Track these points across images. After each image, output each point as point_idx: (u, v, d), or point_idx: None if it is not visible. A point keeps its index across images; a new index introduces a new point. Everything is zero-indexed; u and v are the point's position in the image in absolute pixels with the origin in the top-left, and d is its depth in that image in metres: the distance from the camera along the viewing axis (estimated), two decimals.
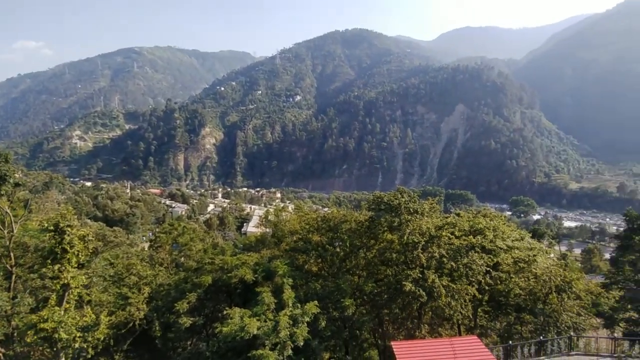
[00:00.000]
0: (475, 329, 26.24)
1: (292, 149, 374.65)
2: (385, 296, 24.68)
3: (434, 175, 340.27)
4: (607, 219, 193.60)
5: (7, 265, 21.15)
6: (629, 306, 30.01)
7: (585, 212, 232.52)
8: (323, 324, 19.88)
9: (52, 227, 17.04)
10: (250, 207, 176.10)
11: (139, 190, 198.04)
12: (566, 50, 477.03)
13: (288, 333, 17.61)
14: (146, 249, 45.13)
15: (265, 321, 18.18)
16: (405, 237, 23.25)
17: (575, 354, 19.88)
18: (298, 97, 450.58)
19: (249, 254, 26.77)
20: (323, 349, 22.05)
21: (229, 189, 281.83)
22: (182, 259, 33.40)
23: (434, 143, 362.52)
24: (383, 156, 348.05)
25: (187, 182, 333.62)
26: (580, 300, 25.41)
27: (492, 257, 24.25)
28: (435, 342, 16.85)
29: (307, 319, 18.66)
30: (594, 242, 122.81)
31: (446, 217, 28.69)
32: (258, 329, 17.47)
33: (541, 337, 21.44)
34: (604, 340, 21.33)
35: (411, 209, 24.06)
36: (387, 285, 24.46)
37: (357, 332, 24.14)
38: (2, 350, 20.27)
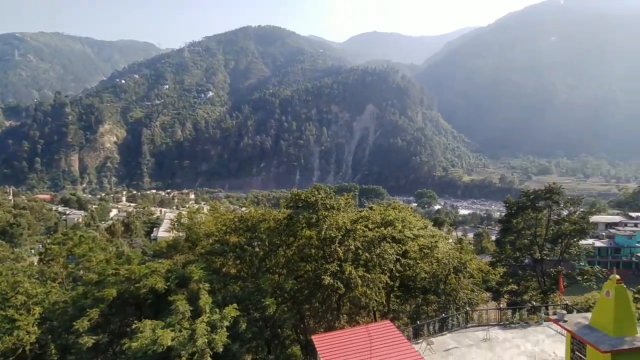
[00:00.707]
0: (388, 313, 28.23)
1: (205, 147, 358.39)
2: (306, 292, 25.13)
3: (349, 171, 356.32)
4: (493, 206, 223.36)
5: None
6: (510, 280, 35.21)
7: (475, 201, 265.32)
8: (244, 326, 19.46)
9: None
10: (161, 211, 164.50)
11: (24, 197, 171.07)
12: (458, 58, 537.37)
13: (206, 340, 16.85)
14: (35, 263, 39.43)
15: (180, 331, 17.12)
16: (323, 233, 23.93)
17: (471, 326, 22.60)
18: (210, 93, 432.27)
19: (160, 260, 24.95)
20: (244, 352, 21.63)
21: (135, 192, 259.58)
22: (81, 271, 29.85)
23: (348, 141, 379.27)
24: (300, 154, 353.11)
25: (84, 185, 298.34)
26: (474, 278, 29.00)
27: (401, 245, 26.31)
28: (353, 331, 17.68)
29: (226, 323, 18.07)
30: (483, 226, 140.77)
31: (360, 211, 30.20)
32: (172, 339, 16.38)
33: (443, 315, 23.94)
34: (493, 311, 24.67)
35: (328, 205, 24.83)
36: (307, 281, 24.92)
37: (279, 330, 24.17)
38: None
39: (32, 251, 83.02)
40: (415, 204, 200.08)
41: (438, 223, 65.25)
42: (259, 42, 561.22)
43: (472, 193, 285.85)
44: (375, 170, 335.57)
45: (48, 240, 37.19)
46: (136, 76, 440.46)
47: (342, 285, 22.27)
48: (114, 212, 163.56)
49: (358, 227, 25.27)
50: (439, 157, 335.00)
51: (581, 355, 16.22)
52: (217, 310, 18.85)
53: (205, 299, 18.63)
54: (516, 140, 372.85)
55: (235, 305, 19.09)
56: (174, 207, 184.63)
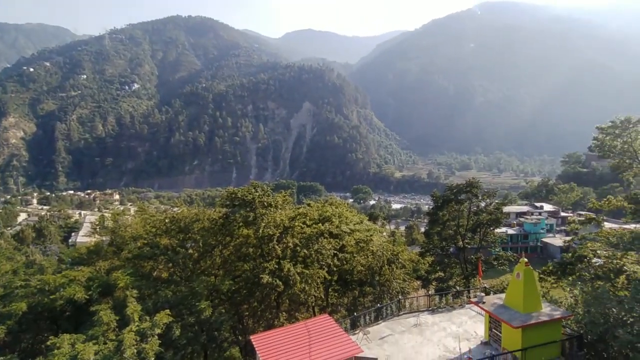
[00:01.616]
0: (327, 307, 28.78)
1: (131, 143, 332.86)
2: (244, 292, 24.63)
3: (287, 168, 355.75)
4: (422, 200, 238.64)
5: None
6: (438, 268, 37.94)
7: (407, 195, 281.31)
8: (177, 332, 18.48)
9: None
10: (80, 213, 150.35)
11: None
12: (388, 59, 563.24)
13: (135, 351, 15.68)
14: None
15: (105, 343, 15.73)
16: (261, 231, 23.62)
17: (404, 314, 23.94)
18: (136, 85, 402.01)
19: (79, 268, 22.68)
20: (179, 359, 20.56)
21: (48, 193, 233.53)
22: None
23: (285, 138, 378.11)
24: (236, 151, 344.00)
25: None
26: (405, 268, 30.72)
27: (338, 240, 26.96)
28: (292, 328, 17.71)
29: (158, 330, 16.97)
30: (413, 219, 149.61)
31: (298, 208, 30.36)
32: (96, 353, 14.99)
33: (378, 305, 25.04)
34: (422, 298, 26.38)
35: (265, 203, 24.56)
36: (245, 281, 24.42)
37: (216, 333, 23.35)
38: None
39: None
40: (352, 200, 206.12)
41: (373, 217, 67.94)
42: (189, 33, 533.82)
43: (404, 188, 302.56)
44: (312, 167, 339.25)
45: None
46: (47, 64, 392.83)
47: (280, 283, 22.21)
48: (22, 216, 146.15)
49: (296, 224, 25.36)
50: (374, 154, 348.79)
51: (497, 332, 18.06)
52: (147, 317, 17.64)
53: (133, 307, 17.31)
54: (442, 137, 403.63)
55: (167, 311, 18.02)
56: (96, 209, 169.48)
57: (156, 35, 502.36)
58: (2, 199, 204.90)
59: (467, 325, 21.78)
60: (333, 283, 29.01)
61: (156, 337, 16.77)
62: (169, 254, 22.86)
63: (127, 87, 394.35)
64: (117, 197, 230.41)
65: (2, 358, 17.29)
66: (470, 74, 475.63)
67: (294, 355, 15.25)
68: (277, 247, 23.71)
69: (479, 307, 19.28)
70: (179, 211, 26.47)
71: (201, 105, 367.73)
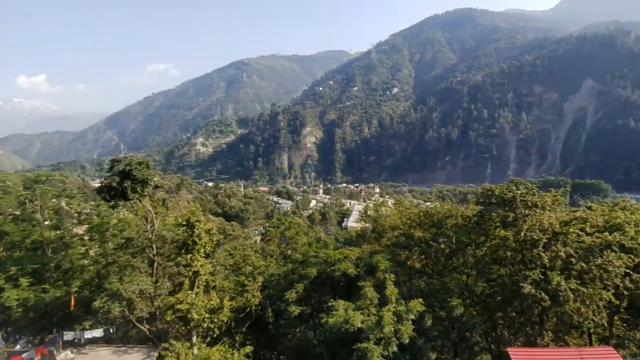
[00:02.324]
0: (610, 338, 22.38)
1: (389, 142, 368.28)
2: (499, 298, 22.62)
3: (557, 163, 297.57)
4: None
5: (151, 254, 25.25)
6: None
7: None
8: (429, 323, 19.16)
9: (184, 222, 19.87)
10: (350, 203, 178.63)
11: (250, 189, 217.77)
12: None
13: (392, 329, 17.44)
14: (258, 241, 49.28)
15: (368, 315, 18.32)
16: (522, 234, 20.87)
17: None
18: (395, 89, 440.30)
19: (350, 248, 27.23)
20: (429, 349, 21.27)
21: (330, 185, 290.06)
22: (289, 251, 35.66)
23: (556, 126, 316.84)
24: (492, 145, 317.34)
25: (291, 179, 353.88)
26: None
27: (632, 257, 20.29)
28: (561, 352, 14.80)
29: (411, 316, 18.22)
30: None
31: (574, 211, 24.88)
32: (362, 322, 17.70)
33: None
34: None
35: (529, 202, 21.44)
36: (500, 286, 22.38)
37: (467, 334, 22.61)
38: (147, 326, 24.36)
39: (256, 231, 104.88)
40: None
41: None
42: (445, 28, 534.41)
43: None
44: (594, 160, 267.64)
45: (267, 224, 45.97)
46: (331, 82, 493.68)
47: (546, 297, 18.95)
48: (313, 202, 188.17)
49: (571, 230, 20.84)
50: None
51: None
52: (402, 302, 19.22)
53: (391, 289, 19.29)
54: None
55: (420, 300, 19.03)
56: (361, 200, 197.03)
57: (414, 39, 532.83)
58: (302, 189, 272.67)
59: None
60: (621, 310, 22.14)
61: (410, 322, 18.03)
62: (423, 246, 23.94)
63: (388, 92, 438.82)
64: (377, 190, 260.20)
65: (300, 307, 23.07)
66: None
67: None
68: (543, 254, 20.30)
69: None
70: (432, 206, 27.24)
71: (455, 100, 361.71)
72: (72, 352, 23.68)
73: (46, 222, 30.47)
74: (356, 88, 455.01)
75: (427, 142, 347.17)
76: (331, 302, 20.17)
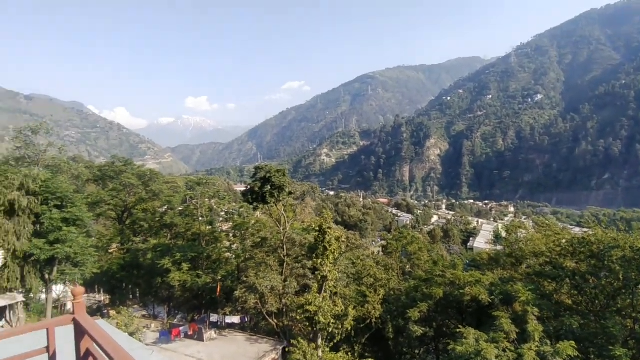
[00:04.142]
0: None
1: (529, 156, 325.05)
2: None
3: None
4: None
5: (281, 255, 27.49)
6: None
7: None
8: None
9: (317, 228, 20.99)
10: (477, 221, 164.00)
11: (369, 200, 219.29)
12: None
13: None
14: (375, 252, 48.96)
15: (504, 351, 16.17)
16: None
17: None
18: (539, 96, 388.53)
19: (482, 272, 24.72)
20: None
21: (454, 201, 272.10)
22: (408, 266, 34.38)
23: None
24: None
25: (412, 192, 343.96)
26: None
27: None
28: None
29: None
30: None
31: None
32: (496, 357, 15.72)
33: None
34: None
35: None
36: None
37: None
38: (275, 321, 26.44)
39: (373, 242, 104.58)
40: None
41: None
42: (606, 24, 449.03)
43: None
44: None
45: (389, 236, 45.42)
46: (460, 91, 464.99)
47: None
48: (434, 218, 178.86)
49: None
50: None
51: None
52: (548, 342, 16.45)
53: (534, 325, 16.70)
54: None
55: (572, 343, 15.96)
56: (491, 219, 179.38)
57: (565, 39, 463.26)
58: (422, 203, 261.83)
59: None
60: None
61: None
62: (577, 279, 20.12)
63: (529, 100, 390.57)
64: (511, 209, 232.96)
65: (422, 328, 21.87)
66: None
67: None
68: None
69: None
70: (591, 232, 22.74)
71: (618, 107, 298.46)
72: (215, 333, 27.30)
73: (200, 218, 36.24)
74: (490, 96, 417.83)
75: (579, 156, 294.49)
76: (460, 328, 18.52)
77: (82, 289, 3.46)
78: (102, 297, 42.46)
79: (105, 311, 34.56)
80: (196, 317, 32.26)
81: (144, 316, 36.05)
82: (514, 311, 19.43)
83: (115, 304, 36.84)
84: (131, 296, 40.58)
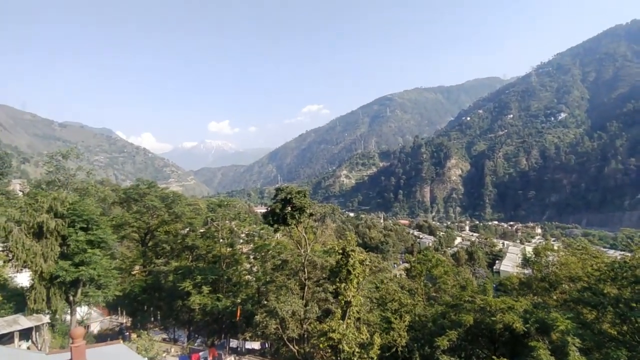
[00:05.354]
0: None
1: (555, 175, 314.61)
2: None
3: None
4: None
5: (302, 278, 26.77)
6: None
7: None
8: None
9: (340, 251, 20.36)
10: (503, 243, 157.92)
11: (390, 221, 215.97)
12: None
13: None
14: (397, 275, 47.42)
15: None
16: None
17: None
18: (562, 115, 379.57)
19: (514, 298, 23.36)
20: None
21: (477, 222, 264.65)
22: (433, 291, 32.96)
23: None
24: None
25: (433, 213, 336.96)
26: None
27: None
28: None
29: None
30: None
31: None
32: None
33: None
34: None
35: None
36: None
37: None
38: (297, 347, 25.46)
39: (395, 265, 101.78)
40: None
41: None
42: (632, 39, 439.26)
43: None
44: None
45: (413, 259, 44.19)
46: (480, 111, 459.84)
47: None
48: (458, 240, 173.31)
49: None
50: None
51: None
52: None
53: (576, 358, 15.42)
54: None
55: None
56: (517, 241, 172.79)
57: (588, 56, 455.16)
58: (445, 224, 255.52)
59: None
60: None
61: None
62: (621, 306, 18.63)
63: (552, 119, 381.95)
64: (539, 230, 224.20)
65: (452, 358, 20.59)
66: None
67: None
68: None
69: None
70: (631, 255, 21.24)
71: None
72: (235, 359, 26.64)
73: (221, 240, 36.20)
74: (511, 115, 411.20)
75: (609, 175, 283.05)
76: (492, 359, 17.31)
77: (82, 331, 3.21)
78: (124, 319, 42.58)
79: (127, 333, 34.50)
80: (216, 342, 31.70)
81: (164, 339, 35.77)
82: (551, 341, 18.11)
83: (137, 326, 36.80)
84: (152, 319, 40.52)
